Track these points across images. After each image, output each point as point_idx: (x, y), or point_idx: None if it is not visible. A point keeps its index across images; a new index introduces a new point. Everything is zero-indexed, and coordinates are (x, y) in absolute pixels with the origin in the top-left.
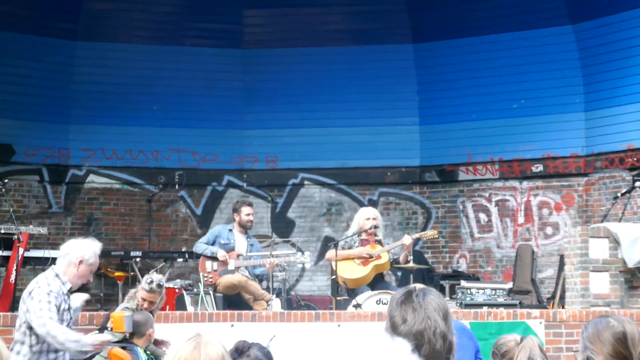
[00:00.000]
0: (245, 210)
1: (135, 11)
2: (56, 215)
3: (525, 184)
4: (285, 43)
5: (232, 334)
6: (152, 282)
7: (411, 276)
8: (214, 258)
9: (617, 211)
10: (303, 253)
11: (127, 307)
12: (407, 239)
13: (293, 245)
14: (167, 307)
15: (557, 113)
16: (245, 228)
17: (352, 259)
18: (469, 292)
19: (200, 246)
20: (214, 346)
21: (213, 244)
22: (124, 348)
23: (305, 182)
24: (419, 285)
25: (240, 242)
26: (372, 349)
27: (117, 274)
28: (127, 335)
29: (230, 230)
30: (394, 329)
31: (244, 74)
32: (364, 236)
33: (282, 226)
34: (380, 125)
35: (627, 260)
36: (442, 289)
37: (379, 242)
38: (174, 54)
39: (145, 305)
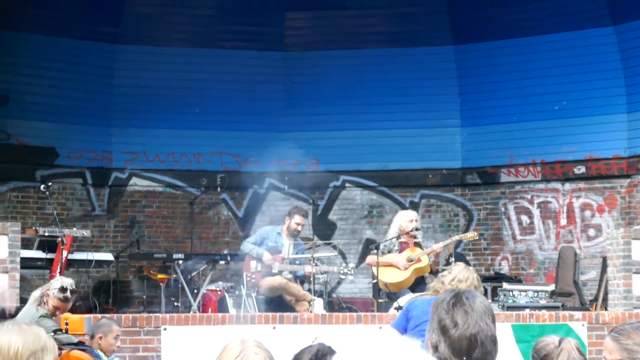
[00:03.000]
0: (297, 219)
1: (177, 14)
2: (99, 218)
3: (567, 185)
4: (326, 45)
5: (274, 337)
6: (65, 290)
7: None
8: (259, 259)
9: None
10: (347, 264)
11: (43, 315)
12: (436, 246)
13: (334, 247)
14: (210, 309)
15: (599, 114)
16: (291, 235)
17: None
18: (511, 295)
19: (247, 245)
20: (259, 353)
21: (260, 244)
22: (83, 350)
23: (347, 185)
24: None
25: (287, 246)
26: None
27: (159, 276)
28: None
29: (279, 233)
30: (443, 332)
31: (285, 76)
32: (403, 239)
33: (324, 228)
34: (422, 127)
35: None
36: (484, 291)
37: (419, 245)
38: (215, 57)
39: (58, 313)
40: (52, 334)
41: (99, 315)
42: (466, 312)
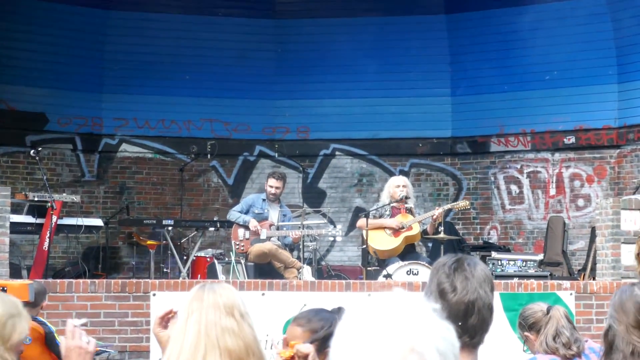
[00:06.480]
0: (270, 181)
1: None
2: (89, 183)
3: (557, 155)
4: (318, 13)
5: (262, 303)
6: None
7: (442, 247)
8: (246, 227)
9: None
10: (335, 226)
11: None
12: (437, 211)
13: (324, 215)
14: (199, 275)
15: (590, 85)
16: (271, 200)
17: (384, 228)
18: (499, 264)
19: (233, 214)
20: (222, 288)
21: (247, 212)
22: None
23: (337, 153)
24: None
25: (274, 212)
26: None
27: (149, 242)
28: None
29: (264, 199)
30: (442, 296)
31: (276, 44)
32: (395, 205)
33: (313, 197)
34: (412, 96)
35: None
36: None
37: (410, 212)
38: (206, 24)
39: None
40: None
41: (40, 281)
42: (466, 277)
